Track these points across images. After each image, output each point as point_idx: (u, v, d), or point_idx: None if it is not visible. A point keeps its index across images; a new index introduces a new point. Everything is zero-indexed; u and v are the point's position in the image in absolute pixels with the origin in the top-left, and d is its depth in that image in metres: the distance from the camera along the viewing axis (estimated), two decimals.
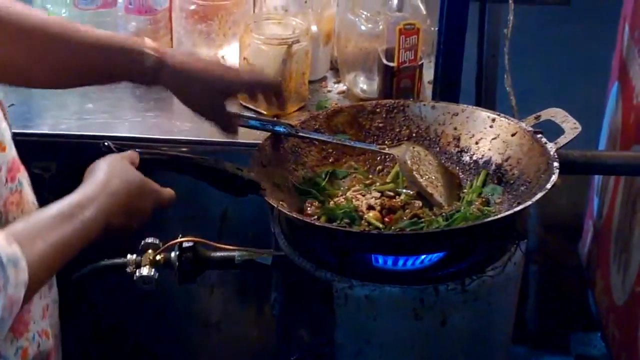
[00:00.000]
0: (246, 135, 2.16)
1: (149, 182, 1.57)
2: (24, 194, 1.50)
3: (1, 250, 1.23)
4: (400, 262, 1.68)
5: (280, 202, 1.74)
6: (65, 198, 1.41)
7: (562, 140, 1.80)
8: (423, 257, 1.68)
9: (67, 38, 1.63)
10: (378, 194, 1.84)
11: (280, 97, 1.87)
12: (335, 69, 2.45)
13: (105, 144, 1.57)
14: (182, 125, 2.22)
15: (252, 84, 1.85)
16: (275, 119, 2.22)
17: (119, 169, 1.52)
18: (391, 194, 1.83)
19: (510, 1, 2.37)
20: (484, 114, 1.93)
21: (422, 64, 2.22)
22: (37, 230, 1.33)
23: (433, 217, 1.73)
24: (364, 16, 2.29)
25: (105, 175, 1.48)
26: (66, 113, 2.22)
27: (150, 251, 1.80)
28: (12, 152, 1.47)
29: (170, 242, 1.80)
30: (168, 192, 1.61)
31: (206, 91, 1.75)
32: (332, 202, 1.83)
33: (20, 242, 1.27)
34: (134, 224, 1.52)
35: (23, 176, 1.52)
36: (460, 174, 1.91)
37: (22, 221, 1.36)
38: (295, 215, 1.69)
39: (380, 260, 1.69)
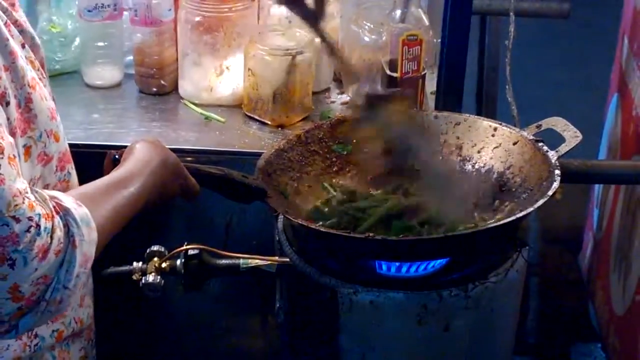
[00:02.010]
0: (251, 145, 2.20)
1: (182, 166, 1.62)
2: (70, 185, 1.56)
3: (73, 210, 1.30)
4: (404, 269, 1.70)
5: (286, 210, 1.76)
6: (110, 174, 1.49)
7: (564, 148, 1.81)
8: (427, 263, 1.70)
9: None
10: None
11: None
12: (339, 80, 2.48)
13: (116, 156, 1.59)
14: (187, 135, 2.24)
15: None
16: (279, 128, 2.26)
17: (159, 148, 1.58)
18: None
19: (511, 14, 2.39)
20: (486, 123, 1.95)
21: (425, 74, 2.25)
22: (96, 197, 1.40)
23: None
24: (367, 27, 2.32)
25: (147, 154, 1.54)
26: (72, 123, 2.24)
27: (156, 259, 1.82)
28: (64, 144, 1.55)
29: (176, 250, 1.82)
30: (195, 183, 1.65)
31: None
32: None
33: (86, 205, 1.34)
34: (162, 202, 1.58)
35: (72, 168, 1.59)
36: (464, 183, 1.93)
37: (82, 188, 1.44)
38: (300, 222, 1.71)
39: (384, 266, 1.71)
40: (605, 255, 2.85)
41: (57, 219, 1.27)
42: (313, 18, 1.79)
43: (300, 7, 1.78)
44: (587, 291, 3.14)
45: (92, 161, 1.61)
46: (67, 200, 1.32)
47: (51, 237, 1.25)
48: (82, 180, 1.58)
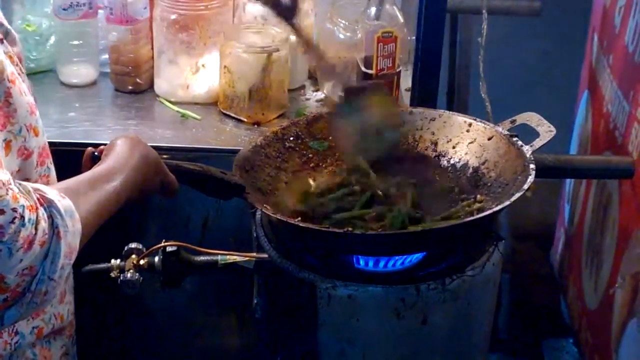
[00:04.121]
0: (227, 142, 2.20)
1: (162, 164, 1.63)
2: (50, 180, 1.57)
3: (57, 202, 1.30)
4: (382, 263, 1.71)
5: (264, 205, 1.77)
6: (92, 169, 1.49)
7: (538, 142, 1.83)
8: (404, 257, 1.71)
9: None
10: None
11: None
12: (314, 78, 2.49)
13: (95, 153, 1.60)
14: (163, 132, 2.25)
15: None
16: (255, 125, 2.27)
17: (139, 144, 1.58)
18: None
19: (484, 12, 2.41)
20: (461, 119, 1.97)
21: (400, 71, 2.26)
22: (79, 191, 1.40)
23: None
24: (342, 25, 2.33)
25: (128, 150, 1.54)
26: (48, 121, 2.23)
27: (133, 256, 1.82)
28: (44, 138, 1.55)
29: (154, 247, 1.82)
30: (175, 180, 1.66)
31: None
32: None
33: (70, 198, 1.34)
34: (143, 198, 1.58)
35: (51, 163, 1.59)
36: (438, 178, 1.95)
37: (64, 182, 1.43)
38: (279, 217, 1.72)
39: (362, 261, 1.72)
40: (577, 251, 2.88)
41: (41, 210, 1.27)
42: (288, 14, 1.81)
43: (274, 4, 1.80)
44: (559, 286, 3.17)
45: (69, 159, 1.61)
46: (51, 192, 1.32)
47: (36, 228, 1.25)
48: (60, 178, 1.58)
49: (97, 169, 1.48)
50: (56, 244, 1.28)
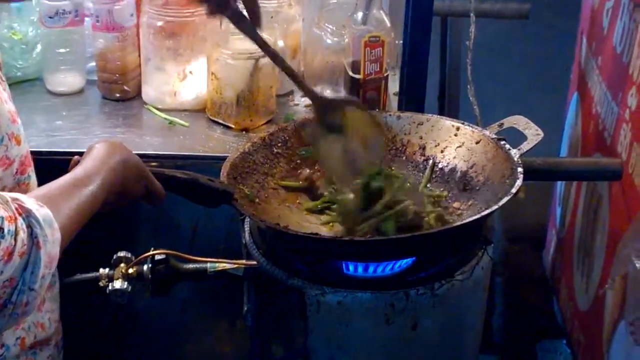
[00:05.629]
0: (215, 149, 2.20)
1: (145, 169, 1.62)
2: (30, 188, 1.56)
3: (35, 211, 1.29)
4: (371, 269, 1.71)
5: (252, 212, 1.76)
6: (69, 173, 1.48)
7: (525, 146, 1.84)
8: (393, 263, 1.71)
9: None
10: None
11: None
12: None
13: None
14: (151, 140, 2.24)
15: None
16: (243, 132, 2.26)
17: (119, 148, 1.58)
18: None
19: (472, 15, 2.41)
20: (449, 123, 1.97)
21: (388, 75, 2.26)
22: (56, 197, 1.39)
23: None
24: (329, 30, 2.33)
25: (105, 153, 1.53)
26: (35, 130, 2.23)
27: (122, 264, 1.82)
28: (25, 146, 1.54)
29: (143, 255, 1.82)
30: (161, 187, 1.65)
31: None
32: None
33: (47, 205, 1.33)
34: (123, 203, 1.57)
35: (32, 171, 1.58)
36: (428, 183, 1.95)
37: (42, 188, 1.42)
38: (267, 224, 1.71)
39: (351, 267, 1.71)
40: (569, 252, 2.88)
41: (19, 220, 1.27)
42: (250, 27, 1.76)
43: (235, 17, 1.74)
44: (552, 288, 3.17)
45: (55, 167, 1.60)
46: (29, 201, 1.31)
47: (15, 239, 1.24)
48: None
49: (74, 173, 1.48)
50: (36, 254, 1.28)
